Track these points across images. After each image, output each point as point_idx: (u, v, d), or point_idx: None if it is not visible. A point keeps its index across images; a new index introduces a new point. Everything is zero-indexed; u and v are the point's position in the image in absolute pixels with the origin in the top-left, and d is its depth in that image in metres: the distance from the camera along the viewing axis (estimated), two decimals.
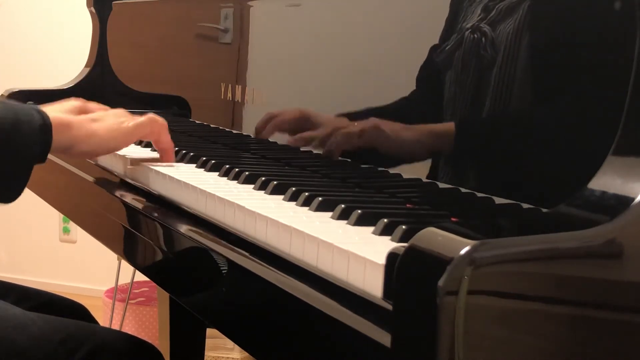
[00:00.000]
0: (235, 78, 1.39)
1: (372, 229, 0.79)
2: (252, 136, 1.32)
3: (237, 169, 1.07)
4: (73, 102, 1.18)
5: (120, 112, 1.19)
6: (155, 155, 1.25)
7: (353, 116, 1.09)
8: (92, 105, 1.20)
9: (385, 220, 0.78)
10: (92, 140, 1.13)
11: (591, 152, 0.71)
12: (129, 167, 1.20)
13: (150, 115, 1.18)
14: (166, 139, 1.19)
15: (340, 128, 1.10)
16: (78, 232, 3.33)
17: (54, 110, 1.13)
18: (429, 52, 0.96)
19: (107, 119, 1.15)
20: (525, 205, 0.80)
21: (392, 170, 1.00)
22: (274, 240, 0.83)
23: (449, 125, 0.94)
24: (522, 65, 0.84)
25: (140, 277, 2.50)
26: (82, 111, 1.18)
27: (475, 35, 0.89)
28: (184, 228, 0.97)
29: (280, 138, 1.24)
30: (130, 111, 1.21)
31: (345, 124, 1.10)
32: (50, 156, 1.41)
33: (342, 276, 0.71)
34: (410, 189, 0.96)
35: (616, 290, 0.63)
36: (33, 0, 3.40)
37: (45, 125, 1.06)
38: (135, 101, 1.80)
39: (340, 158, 1.09)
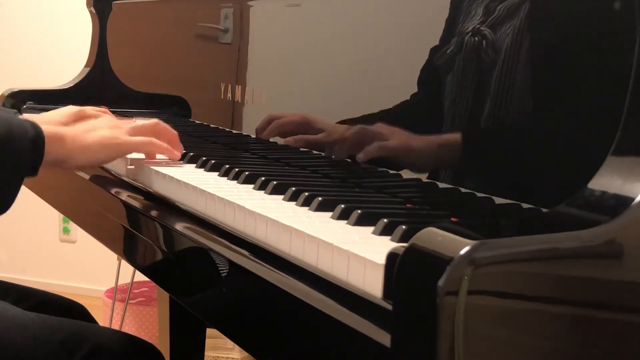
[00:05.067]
0: (235, 78, 1.39)
1: (372, 229, 0.79)
2: (252, 136, 1.32)
3: (237, 169, 1.07)
4: (70, 109, 1.17)
5: (114, 123, 1.17)
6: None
7: (352, 116, 1.09)
8: (90, 110, 1.20)
9: (385, 220, 0.78)
10: (85, 155, 1.12)
11: (591, 152, 0.71)
12: (129, 167, 1.20)
13: (149, 140, 1.16)
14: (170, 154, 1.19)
15: (341, 131, 1.10)
16: (78, 232, 3.33)
17: (49, 122, 1.12)
18: (429, 53, 0.96)
19: (101, 131, 1.14)
20: (525, 205, 0.80)
21: (392, 170, 1.00)
22: (274, 240, 0.83)
23: (450, 126, 0.94)
24: (522, 66, 0.84)
25: (140, 277, 2.49)
26: (80, 117, 1.17)
27: (476, 37, 0.89)
28: (184, 228, 0.97)
29: (281, 139, 1.24)
30: (135, 112, 1.21)
31: (346, 127, 1.09)
32: None
33: (342, 276, 0.71)
34: (410, 189, 0.96)
35: (616, 290, 0.63)
36: (33, 0, 3.40)
37: (39, 139, 1.06)
38: (135, 101, 1.80)
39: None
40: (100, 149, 1.13)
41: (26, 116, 1.14)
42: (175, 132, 1.20)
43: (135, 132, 1.16)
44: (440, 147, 0.95)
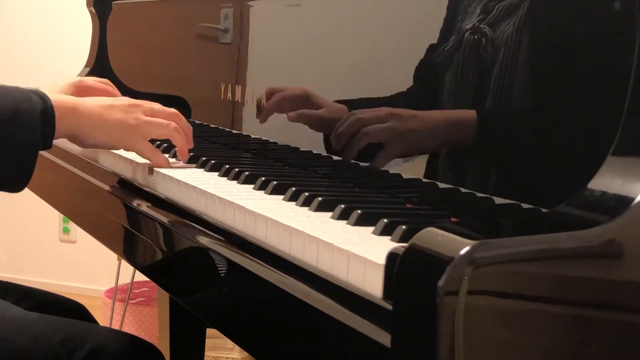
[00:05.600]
0: (235, 78, 1.39)
1: (372, 229, 0.79)
2: (252, 136, 1.32)
3: (237, 169, 1.07)
4: (68, 80, 1.15)
5: (132, 103, 1.14)
6: None
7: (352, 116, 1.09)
8: (89, 81, 1.17)
9: (385, 220, 0.78)
10: (98, 133, 1.11)
11: (591, 152, 0.71)
12: (128, 167, 1.20)
13: (157, 159, 1.14)
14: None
15: (340, 119, 1.09)
16: (78, 232, 3.33)
17: (58, 94, 1.10)
18: (429, 52, 0.96)
19: (118, 113, 1.12)
20: (525, 205, 0.80)
21: (392, 170, 1.00)
22: (274, 241, 0.83)
23: (449, 126, 0.94)
24: (522, 65, 0.84)
25: (140, 277, 2.49)
26: (80, 87, 1.15)
27: (475, 36, 0.89)
28: (183, 228, 0.97)
29: (280, 140, 1.24)
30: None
31: (346, 117, 1.09)
32: (50, 156, 1.41)
33: (342, 276, 0.71)
34: (410, 189, 0.96)
35: (616, 290, 0.63)
36: (33, 0, 3.40)
37: (48, 110, 1.04)
38: None
39: (339, 158, 1.09)
40: (113, 133, 1.11)
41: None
42: (190, 126, 1.19)
43: (151, 124, 1.14)
44: (440, 146, 0.95)
